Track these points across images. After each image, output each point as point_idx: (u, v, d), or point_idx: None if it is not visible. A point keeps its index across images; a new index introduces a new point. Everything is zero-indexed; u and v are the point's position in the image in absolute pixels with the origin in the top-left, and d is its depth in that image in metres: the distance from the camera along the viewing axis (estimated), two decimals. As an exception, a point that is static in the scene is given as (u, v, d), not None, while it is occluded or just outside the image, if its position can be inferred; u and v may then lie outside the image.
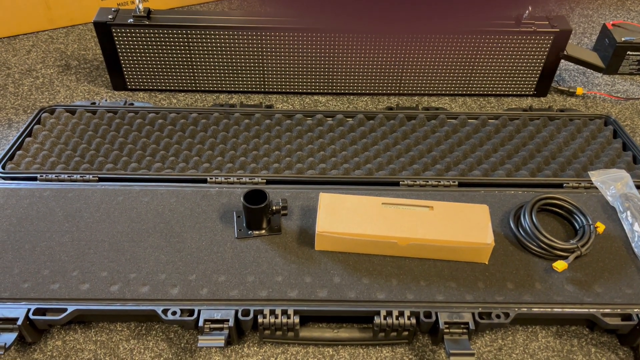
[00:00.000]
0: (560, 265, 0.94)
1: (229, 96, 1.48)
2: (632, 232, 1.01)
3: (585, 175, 1.15)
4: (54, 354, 0.89)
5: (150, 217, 1.03)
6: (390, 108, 1.35)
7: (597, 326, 0.91)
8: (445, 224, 0.95)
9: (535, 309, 0.89)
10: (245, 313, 0.87)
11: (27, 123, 1.24)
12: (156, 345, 0.90)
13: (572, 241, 0.98)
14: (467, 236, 0.93)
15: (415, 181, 1.13)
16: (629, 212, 1.03)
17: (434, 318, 0.87)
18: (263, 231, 1.00)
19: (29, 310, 0.86)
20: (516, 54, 1.40)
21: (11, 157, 1.15)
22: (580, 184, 1.13)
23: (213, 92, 1.48)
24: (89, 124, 1.26)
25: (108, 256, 0.96)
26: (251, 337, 0.92)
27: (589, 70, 1.60)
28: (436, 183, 1.13)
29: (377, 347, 0.91)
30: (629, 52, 1.56)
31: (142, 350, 0.90)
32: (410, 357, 0.90)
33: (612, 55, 1.57)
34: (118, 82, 1.46)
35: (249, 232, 1.00)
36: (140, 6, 1.34)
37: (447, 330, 0.86)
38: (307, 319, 0.93)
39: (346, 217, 0.96)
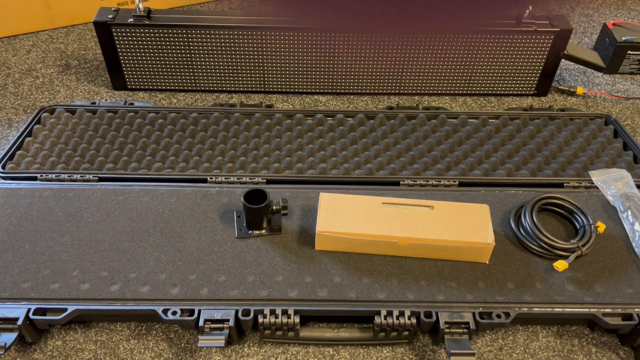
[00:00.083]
0: (560, 265, 0.94)
1: (229, 96, 1.48)
2: (632, 232, 1.01)
3: (586, 174, 1.15)
4: (54, 354, 0.89)
5: (151, 216, 1.03)
6: (391, 108, 1.35)
7: (598, 326, 0.91)
8: (446, 223, 0.95)
9: (535, 309, 0.89)
10: (246, 313, 0.87)
11: (27, 123, 1.23)
12: (156, 345, 0.90)
13: (572, 241, 0.98)
14: (467, 236, 0.93)
15: (416, 181, 1.13)
16: (629, 212, 1.03)
17: (434, 318, 0.87)
18: (263, 231, 1.00)
19: (29, 310, 0.86)
20: (516, 54, 1.40)
21: (11, 157, 1.15)
22: (580, 183, 1.13)
23: (213, 91, 1.48)
24: (89, 124, 1.26)
25: (108, 256, 0.96)
26: (251, 337, 0.92)
27: (589, 69, 1.60)
28: (436, 183, 1.13)
29: (378, 347, 0.91)
30: (629, 52, 1.55)
31: (143, 350, 0.90)
32: (410, 357, 0.90)
33: (613, 55, 1.56)
34: (118, 81, 1.46)
35: (249, 231, 1.00)
36: (141, 6, 1.34)
37: (448, 330, 0.86)
38: (308, 318, 0.93)
39: (346, 217, 0.96)
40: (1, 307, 0.87)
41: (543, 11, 1.43)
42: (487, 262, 0.96)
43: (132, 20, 1.34)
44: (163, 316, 0.86)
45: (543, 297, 0.90)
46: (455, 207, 0.98)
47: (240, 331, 0.91)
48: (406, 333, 0.88)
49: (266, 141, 1.24)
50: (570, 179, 1.14)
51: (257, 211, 0.97)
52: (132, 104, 1.33)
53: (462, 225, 0.95)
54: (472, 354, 0.84)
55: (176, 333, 0.92)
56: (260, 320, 0.86)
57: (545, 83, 1.47)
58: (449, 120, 1.30)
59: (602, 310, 0.89)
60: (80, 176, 1.11)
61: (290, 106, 1.45)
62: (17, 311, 0.86)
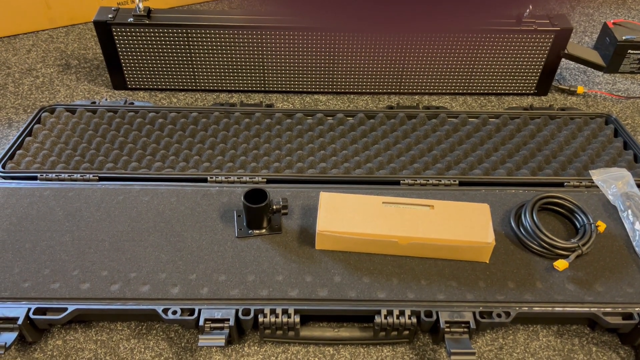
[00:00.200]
0: (561, 264, 0.94)
1: (229, 95, 1.48)
2: (633, 231, 1.01)
3: (586, 174, 1.15)
4: (55, 354, 0.89)
5: (151, 216, 1.03)
6: (391, 107, 1.35)
7: (598, 325, 0.91)
8: (446, 223, 0.95)
9: (536, 308, 0.89)
10: (246, 312, 0.87)
11: (27, 122, 1.23)
12: (157, 345, 0.90)
13: (573, 240, 0.98)
14: (467, 235, 0.93)
15: (416, 180, 1.13)
16: (630, 211, 1.03)
17: (434, 317, 0.87)
18: (263, 230, 1.00)
19: (29, 309, 0.86)
20: (517, 53, 1.40)
21: (11, 157, 1.15)
22: (581, 182, 1.13)
23: (213, 91, 1.48)
24: (89, 124, 1.26)
25: (108, 255, 0.96)
26: (252, 336, 0.92)
27: (589, 69, 1.60)
28: (437, 182, 1.13)
29: (378, 347, 0.91)
30: (629, 51, 1.55)
31: (143, 350, 0.90)
32: (411, 356, 0.90)
33: (613, 54, 1.56)
34: (118, 81, 1.46)
35: (250, 231, 1.00)
36: (141, 5, 1.33)
37: (448, 330, 0.86)
38: (308, 318, 0.93)
39: (347, 216, 0.96)
40: (1, 306, 0.87)
41: (543, 10, 1.43)
42: (488, 262, 0.96)
43: (132, 19, 1.34)
44: (163, 316, 0.86)
45: (543, 297, 0.90)
46: (456, 207, 0.98)
47: (241, 331, 0.91)
48: (406, 332, 0.88)
49: (266, 140, 1.24)
50: (571, 178, 1.14)
51: (257, 211, 0.97)
52: (132, 103, 1.33)
53: (462, 225, 0.95)
54: (473, 354, 0.84)
55: (176, 332, 0.92)
56: (261, 319, 0.86)
57: (545, 82, 1.47)
58: (449, 119, 1.30)
59: (602, 309, 0.89)
60: (81, 176, 1.11)
61: (291, 105, 1.45)
62: (18, 311, 0.86)
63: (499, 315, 0.87)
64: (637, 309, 0.88)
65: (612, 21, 1.62)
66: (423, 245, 0.94)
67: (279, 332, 0.88)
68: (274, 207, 0.99)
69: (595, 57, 1.50)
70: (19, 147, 1.18)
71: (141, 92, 1.48)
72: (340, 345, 0.91)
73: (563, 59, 1.44)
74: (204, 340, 0.84)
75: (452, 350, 0.83)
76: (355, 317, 0.93)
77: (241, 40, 1.36)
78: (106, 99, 1.41)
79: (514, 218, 1.03)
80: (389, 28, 0.35)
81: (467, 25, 0.35)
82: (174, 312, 0.86)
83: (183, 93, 1.48)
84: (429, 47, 1.38)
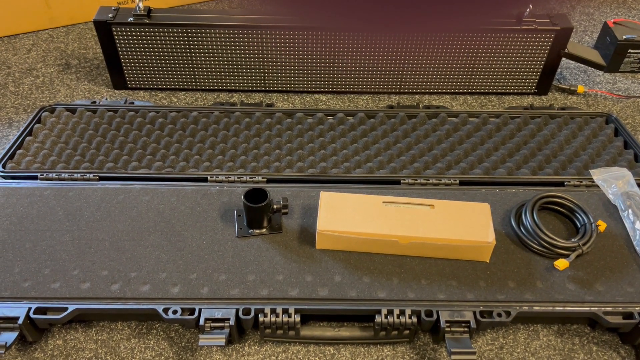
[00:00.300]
0: (561, 263, 0.94)
1: (230, 95, 1.48)
2: (633, 231, 1.01)
3: (587, 173, 1.15)
4: (55, 353, 0.89)
5: (151, 216, 1.03)
6: (391, 106, 1.35)
7: (599, 325, 0.91)
8: (447, 222, 0.95)
9: (536, 308, 0.89)
10: (246, 312, 0.87)
11: (27, 122, 1.23)
12: (157, 344, 0.90)
13: (573, 239, 0.98)
14: (468, 235, 0.93)
15: (416, 179, 1.13)
16: (630, 211, 1.03)
17: (435, 317, 0.87)
18: (264, 230, 1.00)
19: (29, 309, 0.86)
20: (517, 52, 1.40)
21: (11, 156, 1.15)
22: (581, 182, 1.13)
23: (213, 90, 1.48)
24: (90, 123, 1.26)
25: (109, 255, 0.96)
26: (252, 336, 0.92)
27: (590, 68, 1.60)
28: (437, 181, 1.13)
29: (378, 346, 0.91)
30: (630, 50, 1.55)
31: (143, 349, 0.90)
32: (411, 355, 0.90)
33: (613, 53, 1.56)
34: (118, 81, 1.46)
35: (250, 230, 1.00)
36: (141, 5, 1.33)
37: (449, 329, 0.86)
38: (308, 317, 0.93)
39: (347, 216, 0.96)
40: (2, 306, 0.87)
41: (544, 10, 1.43)
42: (488, 261, 0.96)
43: (132, 19, 1.34)
44: (164, 315, 0.86)
45: (544, 296, 0.90)
46: (456, 206, 0.98)
47: (241, 330, 0.91)
48: (407, 332, 0.88)
49: (266, 140, 1.24)
50: (571, 178, 1.14)
51: (257, 210, 0.97)
52: (133, 103, 1.33)
53: (462, 224, 0.95)
54: (473, 353, 0.84)
55: (177, 332, 0.92)
56: (261, 319, 0.86)
57: (545, 82, 1.47)
58: (449, 119, 1.30)
59: (602, 308, 0.88)
60: (81, 175, 1.11)
61: (291, 105, 1.45)
62: (18, 310, 0.86)
63: (499, 315, 0.87)
64: (637, 309, 0.88)
65: (612, 20, 1.62)
66: (423, 244, 0.94)
67: (280, 332, 0.88)
68: (274, 206, 0.99)
69: (596, 57, 1.49)
70: (19, 147, 1.18)
71: (141, 92, 1.48)
72: (341, 345, 0.91)
73: (563, 59, 1.44)
74: (204, 340, 0.84)
75: (453, 350, 0.83)
76: (355, 317, 0.93)
77: (241, 40, 1.36)
78: (106, 99, 1.41)
79: (514, 217, 1.03)
80: (389, 28, 0.35)
81: (468, 25, 0.35)
82: (175, 312, 0.86)
83: (183, 92, 1.48)
84: (429, 46, 1.38)
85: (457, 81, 1.46)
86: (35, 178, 1.11)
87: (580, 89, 1.50)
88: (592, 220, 1.00)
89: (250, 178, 1.12)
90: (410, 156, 1.20)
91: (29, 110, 1.41)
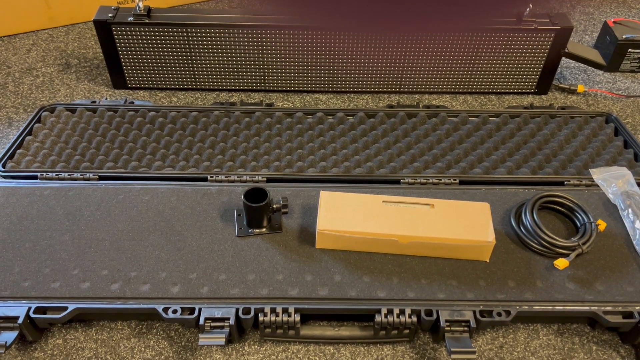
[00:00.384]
0: (561, 263, 0.94)
1: (230, 94, 1.48)
2: (633, 230, 1.01)
3: (587, 172, 1.15)
4: (55, 353, 0.89)
5: (151, 215, 1.03)
6: (391, 106, 1.35)
7: (599, 324, 0.91)
8: (446, 221, 0.95)
9: (536, 307, 0.89)
10: (246, 311, 0.87)
11: (27, 122, 1.23)
12: (157, 344, 0.90)
13: (573, 239, 0.98)
14: (468, 234, 0.93)
15: (416, 179, 1.13)
16: (630, 210, 1.03)
17: (435, 316, 0.87)
18: (264, 229, 1.00)
19: (29, 308, 0.86)
20: (517, 52, 1.40)
21: (11, 156, 1.15)
22: (581, 181, 1.13)
23: (213, 90, 1.48)
24: (89, 123, 1.26)
25: (108, 255, 0.96)
26: (252, 335, 0.92)
27: (590, 67, 1.60)
28: (437, 181, 1.13)
29: (378, 345, 0.91)
30: (630, 50, 1.55)
31: (143, 349, 0.90)
32: (411, 355, 0.90)
33: (613, 53, 1.56)
34: (118, 80, 1.46)
35: (250, 230, 1.00)
36: (140, 4, 1.33)
37: (448, 328, 0.86)
38: (308, 317, 0.93)
39: (347, 215, 0.96)
40: (2, 305, 0.87)
41: (544, 9, 1.43)
42: (488, 261, 0.96)
43: (132, 18, 1.34)
44: (163, 315, 0.86)
45: (544, 295, 0.90)
46: (456, 206, 0.98)
47: (241, 329, 0.91)
48: (407, 331, 0.88)
49: (266, 140, 1.24)
50: (571, 177, 1.14)
51: (257, 210, 0.97)
52: (132, 102, 1.33)
53: (462, 224, 0.95)
54: (473, 352, 0.84)
55: (177, 332, 0.92)
56: (261, 318, 0.86)
57: (545, 81, 1.47)
58: (449, 118, 1.30)
59: (602, 308, 0.88)
60: (81, 175, 1.11)
61: (291, 105, 1.45)
62: (18, 310, 0.86)
63: (499, 314, 0.87)
64: (637, 308, 0.88)
65: (612, 20, 1.62)
66: (423, 244, 0.94)
67: (279, 331, 0.88)
68: (274, 206, 0.99)
69: (596, 56, 1.49)
70: (19, 147, 1.18)
71: (141, 92, 1.48)
72: (341, 344, 0.91)
73: (563, 58, 1.44)
74: (204, 339, 0.84)
75: (453, 349, 0.83)
76: (355, 316, 0.93)
77: (241, 40, 1.36)
78: (106, 98, 1.41)
79: (514, 217, 1.03)
80: (389, 27, 0.35)
81: (468, 25, 0.35)
82: (174, 311, 0.86)
83: (183, 92, 1.48)
84: (429, 46, 1.38)
85: (457, 81, 1.46)
86: (35, 178, 1.11)
87: (580, 88, 1.50)
88: (592, 220, 1.00)
89: (250, 177, 1.12)
90: (410, 155, 1.20)
91: (28, 110, 1.41)
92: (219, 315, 0.86)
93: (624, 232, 1.02)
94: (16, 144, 1.17)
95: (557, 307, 0.89)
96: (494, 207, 1.05)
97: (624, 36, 1.54)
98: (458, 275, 0.93)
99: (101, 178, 1.11)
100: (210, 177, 1.12)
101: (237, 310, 0.87)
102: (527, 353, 0.90)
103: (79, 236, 0.99)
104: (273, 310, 0.87)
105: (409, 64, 1.42)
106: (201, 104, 1.43)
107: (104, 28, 1.35)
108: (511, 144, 1.24)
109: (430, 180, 1.13)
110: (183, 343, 0.91)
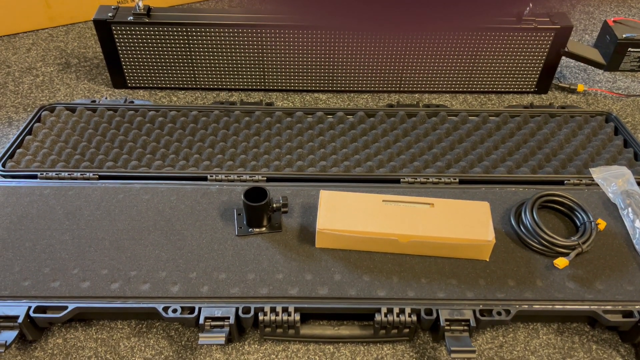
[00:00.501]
0: (561, 262, 0.94)
1: (229, 94, 1.48)
2: (633, 229, 1.01)
3: (587, 172, 1.15)
4: (55, 352, 0.89)
5: (151, 215, 1.03)
6: (391, 105, 1.35)
7: (599, 323, 0.91)
8: (446, 221, 0.95)
9: (536, 306, 0.89)
10: (246, 310, 0.87)
11: (27, 121, 1.23)
12: (157, 343, 0.90)
13: (573, 238, 0.98)
14: (468, 233, 0.93)
15: (416, 178, 1.13)
16: (630, 209, 1.03)
17: (434, 315, 0.87)
18: (263, 229, 1.00)
19: (29, 308, 0.86)
20: (517, 51, 1.40)
21: (11, 155, 1.15)
22: (581, 180, 1.13)
23: (213, 89, 1.48)
24: (89, 122, 1.26)
25: (108, 254, 0.96)
26: (252, 334, 0.92)
27: (590, 67, 1.60)
28: (437, 180, 1.13)
29: (378, 345, 0.91)
30: (630, 49, 1.55)
31: (143, 348, 0.90)
32: (411, 354, 0.90)
33: (613, 52, 1.56)
34: (118, 80, 1.46)
35: (250, 229, 1.00)
36: (140, 4, 1.33)
37: (448, 328, 0.86)
38: (308, 316, 0.93)
39: (347, 215, 0.96)
40: (2, 305, 0.87)
41: (543, 8, 1.43)
42: (488, 260, 0.96)
43: (131, 18, 1.34)
44: (163, 314, 0.86)
45: (543, 295, 0.90)
46: (456, 205, 0.98)
47: (241, 329, 0.91)
48: (407, 330, 0.88)
49: (266, 139, 1.24)
50: (571, 176, 1.14)
51: (257, 209, 0.97)
52: (132, 102, 1.33)
53: (462, 223, 0.95)
54: (473, 352, 0.84)
55: (177, 331, 0.92)
56: (261, 317, 0.86)
57: (545, 80, 1.47)
58: (449, 117, 1.30)
59: (602, 307, 0.88)
60: (81, 174, 1.11)
61: (291, 104, 1.45)
62: (18, 309, 0.86)
63: (499, 313, 0.87)
64: (637, 307, 0.88)
65: (612, 19, 1.62)
66: (423, 243, 0.94)
67: (279, 330, 0.88)
68: (274, 205, 0.99)
69: (596, 55, 1.49)
70: (19, 146, 1.18)
71: (141, 91, 1.48)
72: (341, 344, 0.91)
73: (563, 57, 1.44)
74: (204, 339, 0.84)
75: (453, 348, 0.83)
76: (355, 315, 0.93)
77: (241, 39, 1.36)
78: (106, 98, 1.41)
79: (514, 216, 1.03)
80: (389, 27, 0.35)
81: (468, 24, 0.35)
82: (174, 311, 0.86)
83: (183, 91, 1.48)
84: (429, 45, 1.38)
85: (457, 80, 1.46)
86: (35, 177, 1.11)
87: (580, 87, 1.50)
88: (591, 219, 1.00)
89: (250, 177, 1.12)
90: (410, 155, 1.20)
91: (28, 110, 1.41)
92: (219, 315, 0.86)
93: (624, 231, 1.02)
94: (16, 143, 1.17)
95: (557, 306, 0.89)
96: (493, 207, 1.05)
97: (624, 35, 1.54)
98: (458, 275, 0.93)
99: (101, 177, 1.11)
100: (210, 176, 1.12)
101: (237, 309, 0.87)
102: (527, 352, 0.90)
103: (79, 235, 0.99)
104: (273, 310, 0.87)
105: (408, 63, 1.42)
106: (201, 104, 1.43)
107: (103, 27, 1.35)
108: (511, 143, 1.24)
109: (430, 180, 1.13)
110: (183, 342, 0.91)
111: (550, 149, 1.22)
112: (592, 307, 0.89)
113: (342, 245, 0.97)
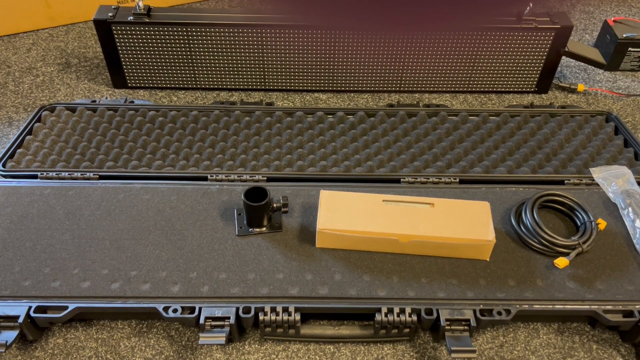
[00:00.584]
0: (561, 262, 0.94)
1: (230, 94, 1.48)
2: (633, 229, 1.01)
3: (587, 171, 1.15)
4: (55, 352, 0.89)
5: (151, 214, 1.03)
6: (391, 105, 1.35)
7: (599, 323, 0.91)
8: (447, 220, 0.95)
9: (536, 306, 0.89)
10: (246, 310, 0.87)
11: (27, 121, 1.23)
12: (157, 343, 0.90)
13: (573, 238, 0.98)
14: (468, 233, 0.93)
15: (416, 178, 1.13)
16: (630, 209, 1.03)
17: (435, 315, 0.87)
18: (264, 228, 1.00)
19: (30, 308, 0.86)
20: (517, 51, 1.40)
21: (12, 155, 1.15)
22: (581, 180, 1.13)
23: (213, 89, 1.48)
24: (90, 122, 1.26)
25: (109, 254, 0.96)
26: (252, 334, 0.92)
27: (590, 66, 1.60)
28: (437, 180, 1.13)
29: (378, 344, 0.91)
30: (630, 49, 1.55)
31: (143, 348, 0.90)
32: (411, 354, 0.90)
33: (614, 52, 1.56)
34: (118, 80, 1.46)
35: (250, 229, 1.00)
36: (140, 4, 1.33)
37: (449, 327, 0.86)
38: (308, 316, 0.93)
39: (347, 215, 0.96)
40: (2, 305, 0.87)
41: (544, 8, 1.43)
42: (488, 260, 0.96)
43: (132, 18, 1.34)
44: (164, 314, 0.86)
45: (544, 294, 0.90)
46: (456, 205, 0.98)
47: (241, 329, 0.91)
48: (407, 330, 0.88)
49: (266, 139, 1.24)
50: (571, 176, 1.14)
51: (257, 209, 0.97)
52: (133, 102, 1.33)
53: (462, 223, 0.95)
54: (473, 351, 0.84)
55: (177, 331, 0.92)
56: (261, 317, 0.86)
57: (546, 80, 1.47)
58: (449, 117, 1.30)
59: (603, 307, 0.88)
60: (81, 174, 1.11)
61: (291, 104, 1.45)
62: (18, 309, 0.86)
63: (499, 313, 0.87)
64: (637, 307, 0.88)
65: (612, 19, 1.62)
66: (423, 243, 0.94)
67: (280, 330, 0.88)
68: (275, 205, 0.99)
69: (596, 55, 1.49)
70: (19, 146, 1.18)
71: (141, 91, 1.48)
72: (341, 343, 0.91)
73: (563, 57, 1.44)
74: (204, 339, 0.84)
75: (453, 348, 0.83)
76: (355, 315, 0.93)
77: (241, 39, 1.36)
78: (106, 98, 1.41)
79: (514, 216, 1.03)
80: (389, 27, 0.35)
81: (468, 24, 0.35)
82: (175, 311, 0.86)
83: (183, 91, 1.48)
84: (429, 45, 1.38)
85: (457, 80, 1.46)
86: (35, 177, 1.11)
87: (581, 87, 1.50)
88: (592, 219, 1.00)
89: (250, 177, 1.12)
90: (410, 155, 1.20)
91: (29, 110, 1.41)
92: (219, 315, 0.86)
93: (624, 231, 1.02)
94: (16, 143, 1.17)
95: (557, 306, 0.89)
96: (494, 206, 1.05)
97: (624, 35, 1.54)
98: (458, 274, 0.93)
99: (101, 177, 1.12)
100: (211, 176, 1.12)
101: (238, 309, 0.87)
102: (527, 352, 0.90)
103: (79, 235, 0.99)
104: (273, 310, 0.87)
105: (409, 63, 1.42)
106: (201, 103, 1.43)
107: (104, 27, 1.35)
108: (511, 143, 1.24)
109: (431, 179, 1.13)
110: (183, 342, 0.91)
111: (551, 148, 1.22)
112: (592, 306, 0.89)
113: (343, 245, 0.97)
